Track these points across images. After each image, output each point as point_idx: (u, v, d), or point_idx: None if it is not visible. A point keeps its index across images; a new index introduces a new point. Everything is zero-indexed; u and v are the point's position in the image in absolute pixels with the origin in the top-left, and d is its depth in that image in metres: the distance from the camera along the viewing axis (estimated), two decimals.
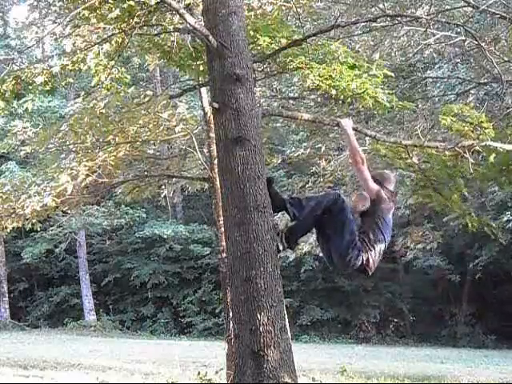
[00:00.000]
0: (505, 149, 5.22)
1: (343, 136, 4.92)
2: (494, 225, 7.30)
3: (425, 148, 5.33)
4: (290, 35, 6.18)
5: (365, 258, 4.63)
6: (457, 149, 5.11)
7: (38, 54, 23.51)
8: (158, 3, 5.29)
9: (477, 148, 5.14)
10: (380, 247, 4.75)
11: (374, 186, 4.80)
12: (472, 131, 5.04)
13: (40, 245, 23.07)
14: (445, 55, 11.53)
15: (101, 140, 8.66)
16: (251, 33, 5.96)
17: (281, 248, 4.59)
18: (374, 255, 4.68)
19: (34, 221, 8.78)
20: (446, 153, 5.38)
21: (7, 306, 24.13)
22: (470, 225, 7.07)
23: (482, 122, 5.03)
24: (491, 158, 5.28)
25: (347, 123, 4.82)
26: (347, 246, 4.56)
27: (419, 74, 11.79)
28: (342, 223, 4.56)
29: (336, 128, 7.36)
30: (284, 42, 6.01)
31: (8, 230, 8.95)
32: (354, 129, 4.83)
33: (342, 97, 6.18)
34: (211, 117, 6.77)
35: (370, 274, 4.74)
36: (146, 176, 9.66)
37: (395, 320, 23.24)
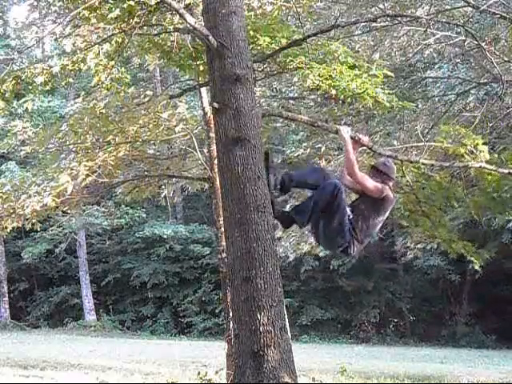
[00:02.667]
0: (499, 172, 5.21)
1: (341, 140, 4.92)
2: (474, 258, 7.26)
3: (420, 165, 5.32)
4: (289, 35, 6.18)
5: (350, 247, 4.74)
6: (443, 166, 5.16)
7: (38, 54, 23.53)
8: (158, 3, 5.29)
9: (471, 170, 5.15)
10: (367, 240, 4.88)
11: (377, 185, 4.75)
12: (467, 153, 5.03)
13: (40, 245, 23.06)
14: (445, 55, 11.52)
15: (101, 140, 8.66)
16: (251, 33, 5.96)
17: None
18: (359, 247, 4.80)
19: (34, 221, 8.77)
20: (440, 172, 5.41)
21: (7, 306, 24.13)
22: (453, 251, 7.07)
23: (477, 144, 5.03)
24: (486, 182, 5.30)
25: (345, 131, 4.82)
26: (336, 233, 4.66)
27: (419, 74, 11.78)
28: (335, 213, 4.61)
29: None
30: (284, 42, 6.01)
31: (8, 230, 8.93)
32: (352, 137, 4.82)
33: (342, 97, 6.18)
34: (211, 117, 6.77)
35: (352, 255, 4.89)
36: (146, 176, 9.66)
37: (395, 320, 23.24)
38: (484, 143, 5.13)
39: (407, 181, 5.48)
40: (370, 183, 4.74)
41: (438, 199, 6.24)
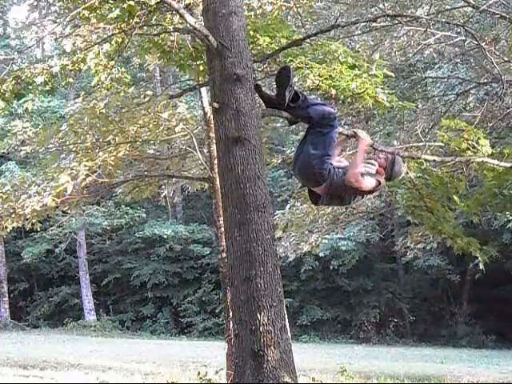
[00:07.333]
0: (501, 166, 5.20)
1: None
2: (479, 254, 7.24)
3: (421, 161, 5.31)
4: (289, 35, 6.18)
5: (328, 179, 4.41)
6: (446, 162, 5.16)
7: (38, 54, 23.54)
8: (158, 3, 5.29)
9: (473, 164, 5.15)
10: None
11: (373, 183, 4.56)
12: (469, 148, 5.03)
13: (40, 245, 23.07)
14: (445, 55, 11.53)
15: (101, 140, 8.67)
16: (251, 33, 5.95)
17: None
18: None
19: (34, 221, 8.77)
20: (443, 168, 5.40)
21: (7, 306, 24.13)
22: (458, 247, 7.03)
23: (479, 138, 5.03)
24: (489, 177, 5.29)
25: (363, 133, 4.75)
26: (317, 155, 4.37)
27: (419, 74, 11.78)
28: (323, 135, 4.40)
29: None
30: (284, 41, 6.01)
31: (8, 230, 8.95)
32: (353, 135, 4.79)
33: (342, 97, 6.18)
34: (211, 117, 6.77)
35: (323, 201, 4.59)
36: (146, 176, 9.67)
37: (395, 320, 23.23)
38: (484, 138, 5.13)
39: (409, 177, 5.48)
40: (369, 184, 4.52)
41: (441, 194, 6.24)
